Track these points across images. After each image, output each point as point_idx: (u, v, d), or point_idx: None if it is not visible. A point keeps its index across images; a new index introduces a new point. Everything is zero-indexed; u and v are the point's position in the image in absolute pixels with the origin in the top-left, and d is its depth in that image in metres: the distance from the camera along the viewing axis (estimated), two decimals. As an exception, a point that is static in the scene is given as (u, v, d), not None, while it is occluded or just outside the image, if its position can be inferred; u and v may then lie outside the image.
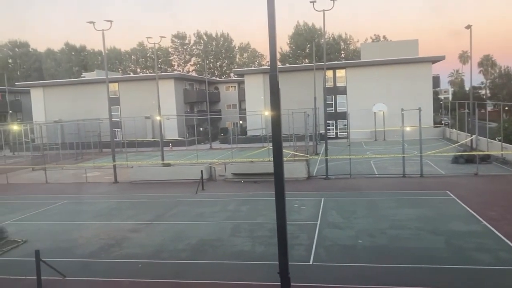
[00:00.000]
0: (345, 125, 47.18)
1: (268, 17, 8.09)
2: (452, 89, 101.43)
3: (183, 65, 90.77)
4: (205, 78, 55.88)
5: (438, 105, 58.25)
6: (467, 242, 13.24)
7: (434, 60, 48.43)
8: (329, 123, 47.08)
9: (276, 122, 8.34)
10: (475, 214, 16.14)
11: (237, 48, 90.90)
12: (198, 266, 12.44)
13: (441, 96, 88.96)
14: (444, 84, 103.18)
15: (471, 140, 32.38)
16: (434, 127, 46.81)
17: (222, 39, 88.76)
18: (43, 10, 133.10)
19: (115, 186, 26.68)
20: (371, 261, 12.10)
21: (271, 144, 10.17)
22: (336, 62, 59.04)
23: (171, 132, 49.88)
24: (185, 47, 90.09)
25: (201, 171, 24.19)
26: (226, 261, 12.64)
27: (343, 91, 48.90)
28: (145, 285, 11.33)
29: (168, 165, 29.11)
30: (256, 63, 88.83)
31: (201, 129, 54.49)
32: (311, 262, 12.20)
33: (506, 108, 54.42)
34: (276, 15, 8.18)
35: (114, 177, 27.66)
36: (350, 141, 28.01)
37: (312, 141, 37.99)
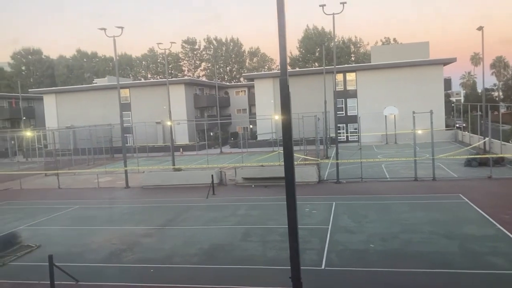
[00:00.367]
0: (355, 129, 47.00)
1: (278, 22, 8.09)
2: (464, 91, 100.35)
3: (193, 70, 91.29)
4: (215, 83, 56.09)
5: (450, 108, 57.63)
6: (481, 246, 13.06)
7: (445, 62, 48.00)
8: (339, 127, 46.87)
9: (286, 126, 8.34)
10: (489, 217, 15.92)
11: (246, 52, 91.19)
12: (210, 270, 12.45)
13: (453, 99, 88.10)
14: (456, 87, 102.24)
15: (484, 142, 31.99)
16: (446, 130, 46.37)
17: (231, 44, 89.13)
18: (55, 17, 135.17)
19: (127, 191, 26.87)
20: (383, 265, 12.00)
21: (281, 148, 10.15)
22: (346, 65, 58.83)
23: (182, 137, 50.16)
24: (195, 52, 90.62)
25: (212, 175, 24.24)
26: (237, 266, 12.63)
27: (353, 94, 48.71)
28: (157, 290, 11.36)
29: (179, 170, 29.25)
30: (265, 67, 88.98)
31: (211, 133, 54.67)
32: (323, 267, 12.13)
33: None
34: (286, 19, 8.19)
35: (125, 182, 27.87)
36: (361, 145, 27.87)
37: (322, 145, 37.87)
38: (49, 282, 10.98)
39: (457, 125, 51.17)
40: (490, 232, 14.41)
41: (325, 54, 47.05)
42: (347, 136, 48.63)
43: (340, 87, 48.03)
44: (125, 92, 52.94)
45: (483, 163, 26.40)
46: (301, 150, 31.73)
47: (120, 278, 12.24)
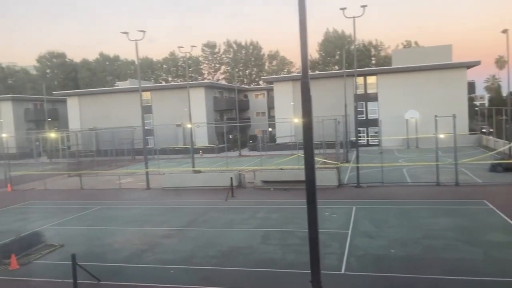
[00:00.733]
0: (376, 132, 46.46)
1: (299, 24, 8.09)
2: (489, 95, 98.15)
3: (213, 73, 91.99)
4: (235, 86, 56.39)
5: (474, 112, 56.41)
6: (506, 253, 12.72)
7: (469, 65, 47.01)
8: (360, 130, 46.41)
9: (307, 129, 8.31)
10: (515, 224, 15.51)
11: (266, 56, 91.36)
12: (229, 272, 12.47)
13: (477, 102, 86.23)
14: (480, 90, 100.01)
15: (510, 147, 31.20)
16: (470, 134, 45.41)
17: (251, 47, 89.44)
18: (79, 21, 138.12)
19: (148, 192, 27.18)
20: (404, 271, 11.81)
21: (300, 151, 10.12)
22: (366, 68, 58.29)
23: (201, 139, 50.49)
24: (215, 55, 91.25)
25: (231, 178, 24.33)
26: (257, 268, 12.62)
27: (374, 97, 48.24)
28: (176, 291, 11.45)
29: (199, 172, 29.45)
30: (285, 70, 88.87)
31: (230, 136, 54.89)
32: (342, 271, 12.02)
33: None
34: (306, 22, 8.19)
35: (146, 183, 28.21)
36: (382, 149, 27.52)
37: (342, 149, 37.57)
38: (72, 281, 11.20)
39: (483, 130, 49.92)
40: (516, 239, 14.04)
41: (345, 57, 46.75)
42: (367, 140, 48.09)
43: (360, 90, 47.65)
44: (146, 95, 53.70)
45: (509, 168, 25.73)
46: (321, 153, 31.52)
47: (141, 278, 12.37)
